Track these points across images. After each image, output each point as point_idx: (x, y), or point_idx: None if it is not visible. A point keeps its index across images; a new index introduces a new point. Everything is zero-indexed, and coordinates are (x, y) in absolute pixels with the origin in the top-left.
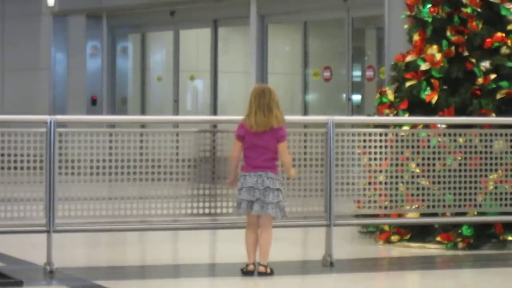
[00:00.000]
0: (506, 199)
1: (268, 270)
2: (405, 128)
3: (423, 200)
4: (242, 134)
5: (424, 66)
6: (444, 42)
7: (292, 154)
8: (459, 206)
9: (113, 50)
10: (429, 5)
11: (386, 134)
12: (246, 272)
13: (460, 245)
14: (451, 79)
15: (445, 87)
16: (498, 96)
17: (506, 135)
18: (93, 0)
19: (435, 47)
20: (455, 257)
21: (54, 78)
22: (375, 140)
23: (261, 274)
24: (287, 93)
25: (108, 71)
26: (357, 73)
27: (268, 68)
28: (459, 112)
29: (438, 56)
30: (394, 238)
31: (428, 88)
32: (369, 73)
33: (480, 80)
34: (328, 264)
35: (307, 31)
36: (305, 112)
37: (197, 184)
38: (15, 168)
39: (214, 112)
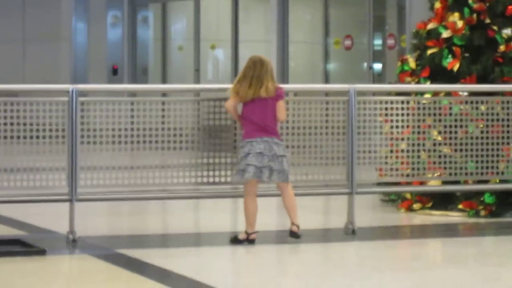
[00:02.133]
0: None
1: (300, 231)
2: (427, 95)
3: (445, 168)
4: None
5: (445, 34)
6: (466, 10)
7: (314, 122)
8: (481, 173)
9: (134, 19)
10: None
11: (407, 102)
12: (248, 240)
13: (482, 212)
14: (473, 47)
15: (466, 54)
16: None
17: None
18: None
19: (456, 14)
20: (477, 225)
21: (75, 48)
22: (396, 108)
23: (293, 233)
24: (308, 62)
25: (129, 40)
26: (378, 41)
27: (289, 37)
28: (481, 79)
29: (460, 24)
30: (416, 206)
31: (450, 56)
32: (390, 42)
33: (502, 48)
34: (350, 232)
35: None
36: (326, 81)
37: (218, 153)
38: (37, 137)
39: None
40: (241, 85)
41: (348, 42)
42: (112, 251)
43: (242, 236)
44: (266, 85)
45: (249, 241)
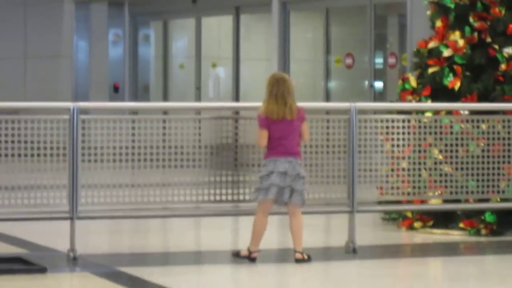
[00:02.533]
0: None
1: (306, 256)
2: (428, 114)
3: (446, 187)
4: (265, 123)
5: (446, 53)
6: (467, 28)
7: (315, 141)
8: (482, 192)
9: (135, 37)
10: None
11: (408, 121)
12: (250, 258)
13: (483, 231)
14: (474, 66)
15: (467, 73)
16: None
17: None
18: None
19: (457, 33)
20: (478, 244)
21: (76, 66)
22: (397, 127)
23: (298, 261)
24: (309, 80)
25: (130, 58)
26: (379, 60)
27: (290, 55)
28: (482, 98)
29: (461, 43)
30: (417, 224)
31: (451, 75)
32: (391, 60)
33: (503, 66)
34: (351, 251)
35: (329, 18)
36: (327, 99)
37: (219, 171)
38: (39, 155)
39: (236, 99)
40: (268, 104)
41: (349, 61)
42: (113, 269)
43: (244, 253)
44: (290, 104)
45: (250, 259)
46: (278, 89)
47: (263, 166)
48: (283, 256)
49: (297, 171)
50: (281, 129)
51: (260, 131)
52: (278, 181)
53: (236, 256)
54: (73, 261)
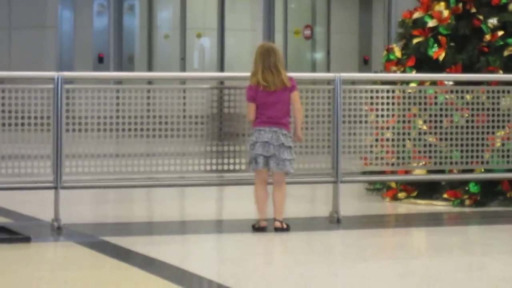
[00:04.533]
0: None
1: (285, 225)
2: (412, 85)
3: (430, 157)
4: (253, 95)
5: (431, 23)
6: None
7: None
8: (466, 163)
9: (120, 7)
10: None
11: (393, 91)
12: (259, 228)
13: (467, 202)
14: (459, 36)
15: (452, 44)
16: (506, 53)
17: None
18: None
19: (442, 3)
20: (462, 214)
21: (61, 36)
22: (382, 97)
23: (277, 229)
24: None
25: (115, 29)
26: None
27: (275, 26)
28: (467, 69)
29: (446, 13)
30: (401, 195)
31: (436, 45)
32: (307, 32)
33: (487, 37)
34: (335, 221)
35: None
36: (313, 70)
37: (204, 141)
38: (23, 124)
39: (221, 70)
40: (263, 75)
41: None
42: (97, 239)
43: (256, 224)
44: (284, 73)
45: (259, 228)
46: (270, 59)
47: (250, 136)
48: (269, 225)
49: (281, 141)
50: (272, 99)
51: (248, 104)
52: (261, 151)
53: (253, 228)
54: (57, 230)
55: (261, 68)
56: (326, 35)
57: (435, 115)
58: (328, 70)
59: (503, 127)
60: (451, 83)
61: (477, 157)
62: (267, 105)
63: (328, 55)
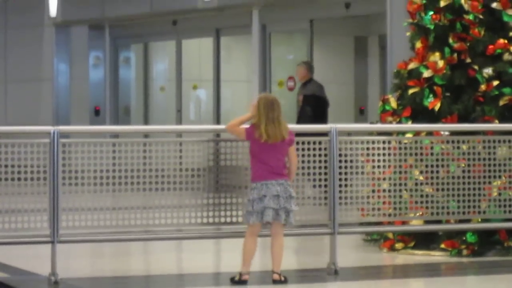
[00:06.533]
0: (510, 205)
1: (283, 278)
2: (408, 135)
3: (427, 207)
4: (250, 137)
5: (426, 73)
6: (447, 49)
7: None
8: (463, 213)
9: (116, 60)
10: (431, 12)
11: (389, 142)
12: (240, 281)
13: (465, 252)
14: (454, 86)
15: (448, 94)
16: (501, 103)
17: (509, 141)
18: (95, 10)
19: (437, 54)
20: (459, 264)
21: (57, 89)
22: (378, 148)
23: (276, 282)
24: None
25: (111, 81)
26: None
27: (271, 76)
28: (462, 119)
29: (441, 63)
30: (398, 245)
31: (431, 95)
32: (290, 83)
33: (483, 87)
34: (333, 272)
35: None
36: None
37: (201, 194)
38: (19, 179)
39: (217, 121)
40: (267, 128)
41: (290, 83)
42: None
43: (237, 278)
44: (284, 125)
45: (241, 281)
46: (274, 112)
47: (253, 189)
48: (265, 278)
49: (289, 192)
50: (269, 150)
51: (240, 130)
52: (273, 204)
53: (232, 281)
54: (54, 285)
55: (264, 121)
56: None
57: (432, 166)
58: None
59: (500, 176)
60: (447, 133)
61: (474, 206)
62: (266, 156)
63: None
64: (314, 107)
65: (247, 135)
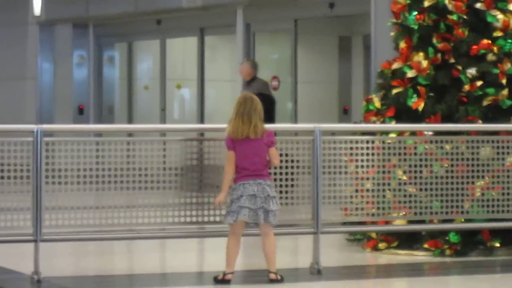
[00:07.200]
0: (493, 205)
1: (279, 277)
2: (392, 135)
3: (410, 207)
4: (232, 145)
5: (410, 74)
6: (430, 49)
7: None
8: (446, 213)
9: (100, 59)
10: (415, 13)
11: (373, 142)
12: (223, 280)
13: (448, 252)
14: (438, 86)
15: (431, 94)
16: (485, 103)
17: (492, 141)
18: (79, 9)
19: (421, 54)
20: (442, 264)
21: (40, 88)
22: (362, 148)
23: (273, 281)
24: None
25: (95, 80)
26: None
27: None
28: (446, 119)
29: (425, 63)
30: (381, 245)
31: (415, 95)
32: (274, 83)
33: (466, 87)
34: (316, 272)
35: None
36: (296, 120)
37: (185, 193)
38: (2, 177)
39: (201, 120)
40: (234, 123)
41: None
42: None
43: (220, 277)
44: (254, 123)
45: (224, 281)
46: (245, 107)
47: (233, 190)
48: (249, 277)
49: (267, 192)
50: (246, 149)
51: (228, 153)
52: (248, 204)
53: (215, 281)
54: (37, 284)
55: (234, 116)
56: (293, 85)
57: (415, 165)
58: (295, 121)
59: (483, 176)
60: (430, 133)
61: (457, 206)
62: (243, 157)
63: (295, 105)
64: None
65: (228, 144)
